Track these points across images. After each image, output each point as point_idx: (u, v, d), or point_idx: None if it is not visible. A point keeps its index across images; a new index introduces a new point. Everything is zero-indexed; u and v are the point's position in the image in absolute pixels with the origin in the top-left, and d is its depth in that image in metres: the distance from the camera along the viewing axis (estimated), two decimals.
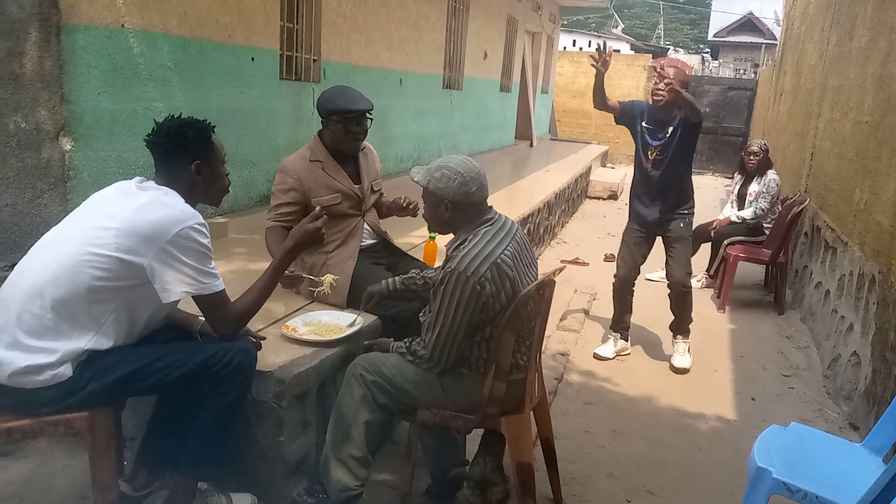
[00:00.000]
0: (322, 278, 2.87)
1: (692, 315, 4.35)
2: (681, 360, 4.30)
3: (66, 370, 2.02)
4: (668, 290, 4.27)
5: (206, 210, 4.46)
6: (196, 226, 2.06)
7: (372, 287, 2.80)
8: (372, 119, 3.10)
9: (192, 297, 2.11)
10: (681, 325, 4.34)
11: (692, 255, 4.32)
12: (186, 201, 2.14)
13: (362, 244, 3.19)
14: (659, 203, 4.16)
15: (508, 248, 2.34)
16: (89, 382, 2.05)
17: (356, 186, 3.15)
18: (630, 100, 4.28)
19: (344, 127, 3.02)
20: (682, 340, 4.35)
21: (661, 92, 3.89)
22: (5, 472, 2.66)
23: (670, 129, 3.99)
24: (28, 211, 3.44)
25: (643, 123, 4.10)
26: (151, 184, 2.15)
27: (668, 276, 4.24)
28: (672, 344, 4.41)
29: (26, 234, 3.30)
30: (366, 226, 3.23)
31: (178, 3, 4.01)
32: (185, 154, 2.17)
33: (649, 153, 4.10)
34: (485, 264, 2.25)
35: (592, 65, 3.94)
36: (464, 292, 2.24)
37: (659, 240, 4.32)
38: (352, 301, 2.98)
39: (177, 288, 2.04)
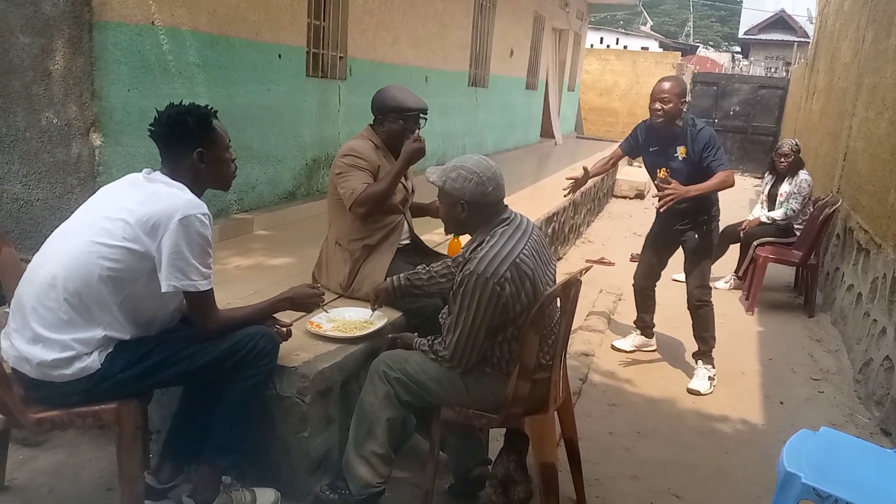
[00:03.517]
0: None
1: (714, 335, 4.09)
2: (695, 382, 4.02)
3: (95, 362, 2.06)
4: (686, 304, 4.10)
5: (230, 207, 4.50)
6: (200, 216, 2.07)
7: (377, 285, 2.83)
8: (426, 119, 3.13)
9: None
10: (701, 348, 4.09)
11: (719, 257, 4.19)
12: (193, 190, 2.15)
13: (399, 244, 3.20)
14: (676, 213, 3.94)
15: (526, 247, 2.32)
16: (119, 373, 2.08)
17: (407, 182, 3.19)
18: (628, 135, 4.16)
19: (403, 125, 3.06)
20: (703, 366, 4.08)
21: (658, 112, 3.72)
22: (35, 462, 2.71)
23: (679, 148, 3.79)
24: (58, 206, 3.50)
25: (650, 149, 3.94)
26: (158, 175, 2.17)
27: (686, 288, 4.10)
28: (694, 366, 4.16)
29: (55, 228, 3.37)
30: (405, 224, 3.25)
31: (207, 0, 4.05)
32: (186, 142, 2.17)
33: (658, 171, 3.87)
34: (504, 264, 2.24)
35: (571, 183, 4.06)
36: (483, 294, 2.23)
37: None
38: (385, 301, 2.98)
39: (167, 280, 2.05)
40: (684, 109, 3.78)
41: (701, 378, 4.04)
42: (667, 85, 3.74)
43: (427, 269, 2.80)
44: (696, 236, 3.96)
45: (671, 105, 3.71)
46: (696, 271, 4.03)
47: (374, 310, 2.84)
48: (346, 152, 3.03)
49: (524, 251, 2.30)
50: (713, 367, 4.09)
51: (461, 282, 2.28)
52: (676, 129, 3.81)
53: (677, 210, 3.90)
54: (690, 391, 3.98)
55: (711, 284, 4.16)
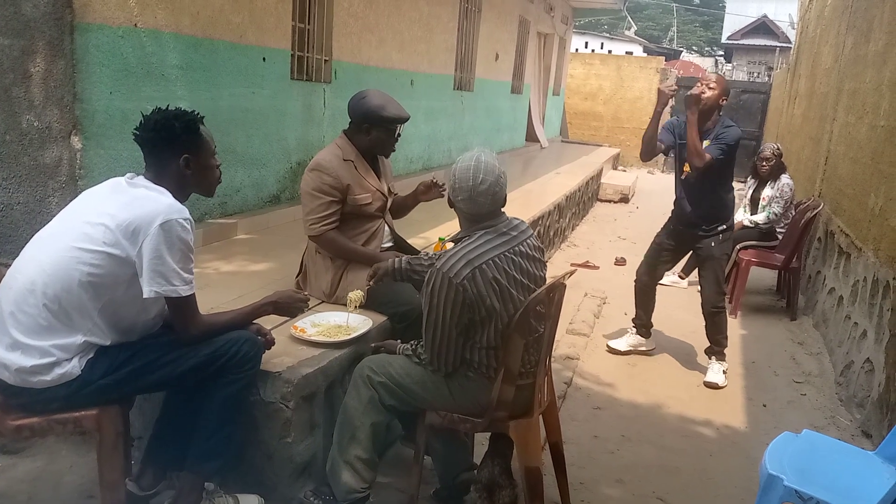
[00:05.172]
0: (350, 294, 2.83)
1: (727, 335, 4.25)
2: (711, 376, 4.17)
3: (75, 368, 2.03)
4: (701, 309, 4.24)
5: (213, 211, 4.48)
6: (181, 220, 2.06)
7: (378, 264, 2.83)
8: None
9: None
10: (714, 348, 4.25)
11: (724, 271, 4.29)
12: (177, 196, 2.14)
13: (381, 246, 3.20)
14: (695, 210, 4.14)
15: (503, 255, 2.32)
16: (100, 379, 2.06)
17: (382, 185, 3.19)
18: (663, 127, 4.23)
19: (391, 134, 3.09)
20: (717, 362, 4.24)
21: (703, 95, 3.87)
22: (14, 469, 2.67)
23: (705, 143, 3.95)
24: (39, 209, 3.46)
25: (679, 142, 4.08)
26: (141, 179, 2.15)
27: (700, 294, 4.24)
28: (707, 363, 4.30)
29: (37, 233, 3.32)
30: (385, 228, 3.25)
31: (190, 2, 4.02)
32: (173, 148, 2.15)
33: (685, 167, 4.09)
34: (467, 267, 2.24)
35: (662, 89, 3.97)
36: (448, 292, 2.24)
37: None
38: (369, 303, 2.97)
39: (148, 286, 2.04)
40: (723, 105, 3.96)
41: (716, 371, 4.18)
42: (715, 75, 4.04)
43: (429, 255, 2.82)
44: (713, 244, 4.11)
45: (714, 93, 3.89)
46: (711, 278, 4.16)
47: (367, 286, 2.83)
48: (314, 167, 3.03)
49: (497, 258, 2.30)
50: (726, 363, 4.25)
51: (428, 279, 2.30)
52: (710, 125, 3.96)
53: (695, 216, 4.12)
54: (708, 384, 4.13)
55: (695, 287, 4.24)
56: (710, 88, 3.91)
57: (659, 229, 4.46)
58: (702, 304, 4.21)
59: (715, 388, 4.11)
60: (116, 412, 2.14)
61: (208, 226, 4.31)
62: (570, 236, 8.19)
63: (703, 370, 4.27)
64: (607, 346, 4.57)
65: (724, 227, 4.14)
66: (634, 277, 4.51)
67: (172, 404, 2.44)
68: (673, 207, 4.34)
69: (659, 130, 4.06)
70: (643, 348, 4.56)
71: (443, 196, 3.16)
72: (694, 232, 4.17)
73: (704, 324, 4.26)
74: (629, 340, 4.56)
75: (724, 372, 4.20)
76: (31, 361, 1.99)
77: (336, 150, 3.09)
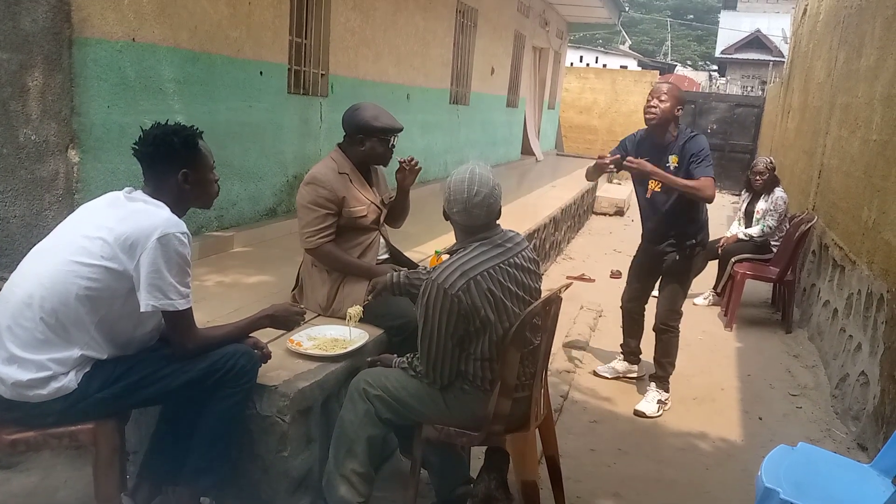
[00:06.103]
0: (349, 310, 2.83)
1: (674, 362, 3.97)
2: (643, 404, 3.89)
3: (71, 382, 2.03)
4: (653, 327, 3.99)
5: (210, 224, 4.48)
6: (178, 234, 2.07)
7: (377, 279, 2.86)
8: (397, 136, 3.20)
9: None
10: (658, 373, 3.96)
11: (697, 274, 4.08)
12: (174, 210, 2.15)
13: (377, 259, 3.21)
14: (664, 230, 3.87)
15: (497, 266, 2.33)
16: (96, 393, 2.06)
17: (375, 198, 3.21)
18: (616, 147, 3.97)
19: (385, 144, 3.12)
20: (655, 389, 3.94)
21: (653, 109, 3.62)
22: (8, 484, 2.66)
23: (671, 157, 3.67)
24: (36, 223, 3.46)
25: (641, 159, 3.67)
26: (140, 194, 2.16)
27: (656, 309, 3.97)
28: (646, 387, 4.05)
29: (33, 246, 3.32)
30: (381, 240, 3.26)
31: (188, 17, 4.05)
32: (172, 162, 2.16)
33: (650, 184, 3.78)
34: (462, 279, 2.26)
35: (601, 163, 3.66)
36: (444, 303, 2.25)
37: None
38: (366, 316, 2.97)
39: (145, 300, 2.04)
40: (679, 116, 3.70)
41: (650, 401, 3.91)
42: (666, 86, 3.72)
43: (427, 269, 2.83)
44: (678, 257, 3.86)
45: (667, 105, 3.61)
46: (668, 294, 3.91)
47: (366, 301, 2.84)
48: (310, 181, 3.05)
49: (492, 270, 2.31)
50: (667, 392, 3.97)
51: (423, 290, 2.32)
52: (669, 138, 3.70)
53: (661, 232, 3.87)
54: (636, 413, 3.86)
55: (690, 301, 4.16)
56: (660, 101, 3.61)
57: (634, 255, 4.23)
58: (654, 318, 3.94)
59: (643, 417, 3.83)
60: (112, 426, 2.14)
61: (205, 239, 4.31)
62: (565, 249, 8.21)
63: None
64: (594, 372, 4.37)
65: (694, 242, 3.85)
66: (620, 304, 4.28)
67: (168, 418, 2.43)
68: (642, 229, 4.06)
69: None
70: (631, 375, 4.33)
71: (417, 171, 3.26)
72: (659, 248, 3.92)
73: (655, 345, 3.97)
74: (617, 367, 4.35)
75: (661, 402, 3.91)
76: (27, 375, 1.99)
77: (331, 164, 3.11)
